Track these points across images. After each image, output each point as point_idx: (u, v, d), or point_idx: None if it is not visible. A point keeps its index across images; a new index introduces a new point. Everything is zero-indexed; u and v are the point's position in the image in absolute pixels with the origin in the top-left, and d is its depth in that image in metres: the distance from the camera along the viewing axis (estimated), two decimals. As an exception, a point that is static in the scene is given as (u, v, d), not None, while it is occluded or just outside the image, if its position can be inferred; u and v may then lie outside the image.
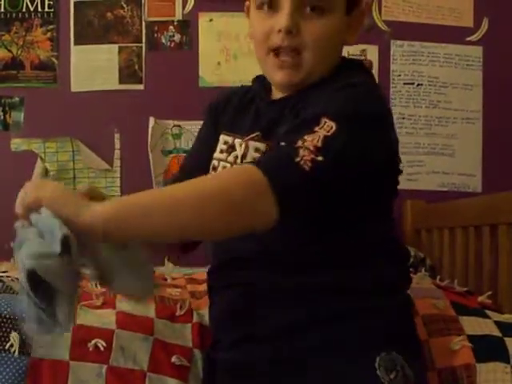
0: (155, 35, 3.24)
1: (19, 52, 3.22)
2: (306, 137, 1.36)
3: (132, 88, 3.23)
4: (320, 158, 1.34)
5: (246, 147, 1.59)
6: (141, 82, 3.23)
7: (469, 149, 3.32)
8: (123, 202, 1.33)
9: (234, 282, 1.56)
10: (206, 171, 1.65)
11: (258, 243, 1.48)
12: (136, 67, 3.23)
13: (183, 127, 3.22)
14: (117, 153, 3.21)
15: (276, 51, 1.56)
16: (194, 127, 3.20)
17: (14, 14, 3.22)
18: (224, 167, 1.63)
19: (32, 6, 3.22)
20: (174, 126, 3.22)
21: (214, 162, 1.67)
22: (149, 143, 3.18)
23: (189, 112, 3.19)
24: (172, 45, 3.25)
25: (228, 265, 1.59)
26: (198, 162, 1.75)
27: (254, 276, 1.52)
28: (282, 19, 1.52)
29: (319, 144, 1.35)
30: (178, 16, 3.25)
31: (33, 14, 3.22)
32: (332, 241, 1.49)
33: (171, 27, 3.24)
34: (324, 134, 1.37)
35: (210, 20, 3.22)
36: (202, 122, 3.15)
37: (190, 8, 3.24)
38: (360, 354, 1.47)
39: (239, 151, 1.61)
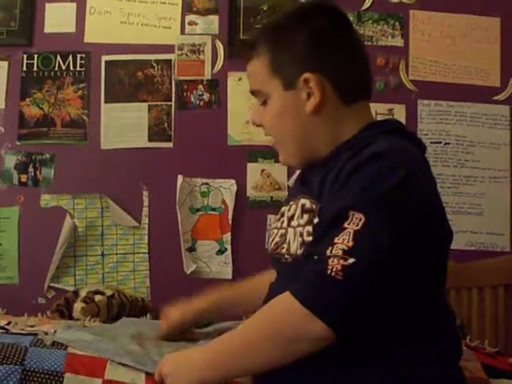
0: (184, 94, 3.28)
1: (50, 110, 3.27)
2: (335, 239, 1.39)
3: (161, 146, 3.26)
4: (351, 261, 1.37)
5: (294, 209, 1.64)
6: (170, 140, 3.27)
7: (497, 208, 3.31)
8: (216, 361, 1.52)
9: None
10: None
11: None
12: (165, 125, 3.27)
13: (211, 185, 3.24)
14: (145, 210, 3.23)
15: None
16: (222, 185, 3.23)
17: (46, 73, 3.28)
18: (273, 233, 1.72)
19: (64, 64, 3.28)
20: (203, 183, 3.24)
21: (271, 232, 1.79)
22: (177, 201, 3.20)
23: (217, 170, 3.23)
24: (201, 103, 3.29)
25: None
26: None
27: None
28: None
29: (350, 243, 1.38)
30: (208, 75, 3.29)
31: (64, 73, 3.28)
32: (383, 321, 1.48)
33: (200, 86, 3.29)
34: (354, 230, 1.39)
35: (239, 79, 3.25)
36: (229, 180, 3.22)
37: (219, 67, 3.29)
38: None
39: (287, 215, 1.68)
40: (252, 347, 1.47)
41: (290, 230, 1.62)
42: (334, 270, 1.36)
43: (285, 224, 1.68)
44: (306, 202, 1.59)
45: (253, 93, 1.71)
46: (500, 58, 3.35)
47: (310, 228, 1.54)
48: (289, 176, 3.21)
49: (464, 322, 2.69)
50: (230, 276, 3.19)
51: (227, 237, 3.24)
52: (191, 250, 3.24)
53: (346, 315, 1.39)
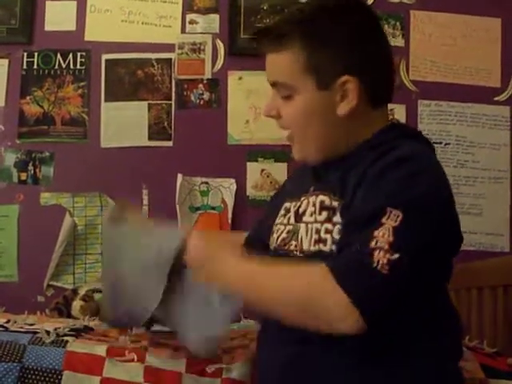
0: (185, 93, 3.28)
1: (50, 108, 3.27)
2: (375, 233, 1.39)
3: (161, 145, 3.26)
4: (396, 256, 1.37)
5: (306, 204, 1.63)
6: (170, 139, 3.26)
7: (496, 208, 3.31)
8: (246, 274, 1.56)
9: (287, 341, 1.56)
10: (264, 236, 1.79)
11: None
12: (165, 124, 3.27)
13: (211, 184, 3.24)
14: (145, 209, 3.22)
15: None
16: (221, 184, 3.23)
17: (46, 71, 3.27)
18: (278, 229, 1.71)
19: (64, 63, 3.28)
20: (202, 183, 3.24)
21: (274, 228, 1.74)
22: (176, 200, 3.20)
23: (217, 169, 3.22)
24: (201, 102, 3.28)
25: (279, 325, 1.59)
26: (260, 229, 1.88)
27: (308, 345, 1.52)
28: None
29: (391, 238, 1.38)
30: (208, 74, 3.29)
31: (64, 71, 3.28)
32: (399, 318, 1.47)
33: (200, 85, 3.29)
34: (392, 226, 1.39)
35: (239, 78, 3.26)
36: (229, 179, 3.22)
37: (220, 66, 3.29)
38: None
39: (293, 210, 1.67)
40: (278, 302, 1.48)
41: (302, 226, 1.61)
42: (381, 263, 1.37)
43: (292, 220, 1.66)
44: (325, 198, 1.57)
45: (274, 84, 1.64)
46: (501, 59, 3.35)
47: (329, 225, 1.53)
48: (288, 175, 3.21)
49: (463, 322, 2.69)
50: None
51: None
52: (191, 248, 3.23)
53: (384, 310, 1.39)
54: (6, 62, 3.27)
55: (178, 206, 3.20)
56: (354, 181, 1.51)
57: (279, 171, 3.23)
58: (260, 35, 1.65)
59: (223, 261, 1.58)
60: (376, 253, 1.37)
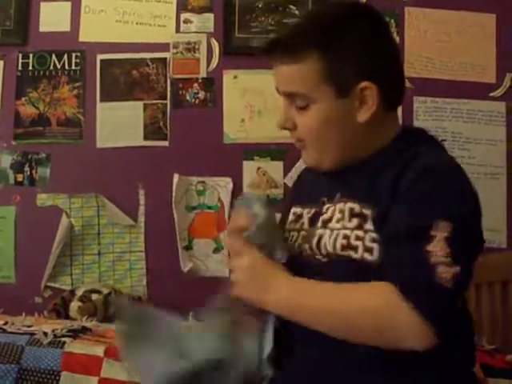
0: (180, 92, 3.28)
1: (46, 109, 3.26)
2: (430, 247, 1.39)
3: (157, 144, 3.26)
4: (457, 269, 1.38)
5: (333, 211, 1.62)
6: (165, 139, 3.26)
7: (493, 204, 3.30)
8: (297, 299, 1.53)
9: (308, 344, 1.57)
10: None
11: None
12: (161, 124, 3.26)
13: (207, 183, 3.23)
14: (141, 208, 3.22)
15: None
16: (218, 183, 3.23)
17: (41, 72, 3.27)
18: (292, 236, 1.70)
19: (59, 63, 3.27)
20: (198, 182, 3.24)
21: (286, 234, 1.73)
22: (173, 199, 3.20)
23: (213, 168, 3.22)
24: (196, 102, 3.28)
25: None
26: None
27: (331, 352, 1.52)
28: None
29: (448, 250, 1.39)
30: (203, 73, 3.29)
31: (60, 72, 3.27)
32: None
33: (196, 84, 3.28)
34: (445, 237, 1.40)
35: (235, 77, 3.25)
36: (225, 178, 3.22)
37: (215, 65, 3.28)
38: None
39: (306, 216, 1.68)
40: (336, 324, 1.47)
41: (326, 232, 1.60)
42: (446, 278, 1.38)
43: (306, 225, 1.67)
44: (354, 206, 1.56)
45: (290, 95, 1.63)
46: (496, 55, 3.34)
47: (360, 232, 1.53)
48: (285, 174, 3.21)
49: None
50: (227, 274, 3.18)
51: (224, 235, 3.24)
52: (188, 248, 3.24)
53: (450, 322, 1.41)
54: (1, 63, 3.27)
55: (174, 206, 3.20)
56: (386, 189, 1.51)
57: (275, 169, 3.23)
58: (272, 47, 1.62)
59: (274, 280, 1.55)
60: (440, 269, 1.38)
